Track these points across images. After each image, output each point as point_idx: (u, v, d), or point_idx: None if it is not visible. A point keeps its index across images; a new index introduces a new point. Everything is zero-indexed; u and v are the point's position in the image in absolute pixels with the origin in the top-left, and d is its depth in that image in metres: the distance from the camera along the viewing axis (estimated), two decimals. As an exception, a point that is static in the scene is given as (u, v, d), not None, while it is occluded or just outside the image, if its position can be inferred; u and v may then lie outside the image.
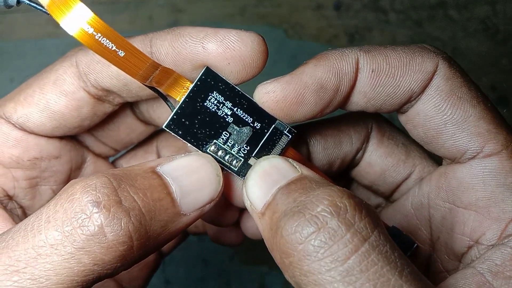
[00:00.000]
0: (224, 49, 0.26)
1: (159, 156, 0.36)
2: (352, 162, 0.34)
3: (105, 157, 0.36)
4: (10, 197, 0.30)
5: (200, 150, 0.27)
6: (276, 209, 0.24)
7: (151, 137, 0.36)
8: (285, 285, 0.63)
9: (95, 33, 0.22)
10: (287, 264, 0.22)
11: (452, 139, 0.28)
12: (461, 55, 0.68)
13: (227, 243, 0.37)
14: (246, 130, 0.28)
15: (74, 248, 0.20)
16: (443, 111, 0.28)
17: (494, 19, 0.70)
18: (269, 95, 0.27)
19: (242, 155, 0.28)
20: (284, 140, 0.29)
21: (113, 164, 0.37)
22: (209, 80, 0.27)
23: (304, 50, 0.68)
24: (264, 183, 0.26)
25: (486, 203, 0.27)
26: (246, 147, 0.28)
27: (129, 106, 0.33)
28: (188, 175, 0.25)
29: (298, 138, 0.31)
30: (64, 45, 0.66)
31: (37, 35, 0.66)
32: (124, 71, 0.24)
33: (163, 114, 0.32)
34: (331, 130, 0.32)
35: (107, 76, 0.28)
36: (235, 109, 0.28)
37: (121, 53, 0.23)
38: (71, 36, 0.23)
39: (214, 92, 0.27)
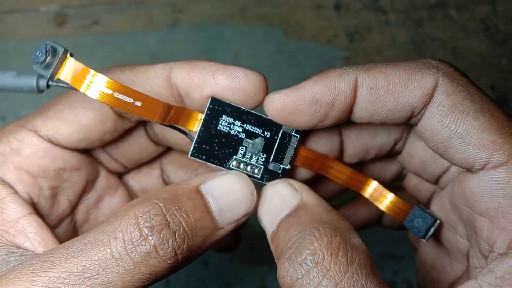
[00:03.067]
0: (231, 82, 0.31)
1: (162, 172, 0.40)
2: (393, 151, 0.36)
3: (115, 173, 0.39)
4: (34, 205, 0.33)
5: (224, 167, 0.31)
6: (278, 243, 0.28)
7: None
8: (285, 285, 0.63)
9: (113, 93, 0.27)
10: None
11: (459, 152, 0.29)
12: (461, 55, 0.68)
13: (224, 250, 0.42)
14: (258, 141, 0.32)
15: (134, 262, 0.25)
16: (446, 125, 0.29)
17: (494, 19, 0.70)
18: (271, 104, 0.31)
19: (261, 163, 0.32)
20: (294, 141, 0.32)
21: (120, 177, 0.40)
22: (216, 107, 0.31)
23: (304, 50, 0.68)
24: (269, 212, 0.30)
25: (495, 213, 0.28)
26: (263, 155, 0.32)
27: (143, 127, 0.37)
28: (227, 194, 0.29)
29: (332, 128, 0.34)
30: (64, 45, 0.66)
31: (37, 35, 0.66)
32: (145, 117, 0.29)
33: (176, 134, 0.35)
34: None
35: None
36: (244, 126, 0.32)
37: (138, 103, 0.28)
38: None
39: (223, 116, 0.31)
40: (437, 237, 0.35)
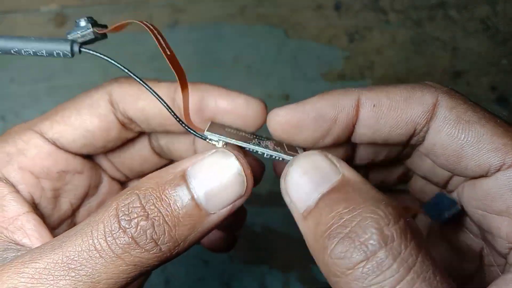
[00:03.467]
0: (232, 107, 0.33)
1: None
2: (401, 154, 0.36)
3: (118, 181, 0.40)
4: (35, 205, 0.33)
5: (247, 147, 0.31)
6: (320, 220, 0.26)
7: None
8: (285, 285, 0.63)
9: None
10: (332, 281, 0.25)
11: (473, 160, 0.29)
12: (461, 55, 0.68)
13: (217, 250, 0.41)
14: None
15: (116, 253, 0.25)
16: (456, 137, 0.29)
17: (494, 19, 0.70)
18: (275, 119, 0.31)
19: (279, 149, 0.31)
20: None
21: (124, 184, 0.41)
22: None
23: (304, 50, 0.68)
24: (305, 185, 0.27)
25: None
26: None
27: (148, 139, 0.38)
28: (213, 177, 0.27)
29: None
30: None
31: (37, 35, 0.66)
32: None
33: (180, 148, 0.36)
34: None
35: (133, 108, 0.33)
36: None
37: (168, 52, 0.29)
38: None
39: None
40: (448, 238, 0.35)
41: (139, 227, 0.25)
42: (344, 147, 0.34)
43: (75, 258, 0.25)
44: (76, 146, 0.34)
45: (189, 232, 0.27)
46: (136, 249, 0.25)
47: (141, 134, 0.37)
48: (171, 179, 0.27)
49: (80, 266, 0.25)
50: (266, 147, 0.31)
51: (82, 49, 0.28)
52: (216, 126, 0.32)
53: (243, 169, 0.28)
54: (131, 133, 0.36)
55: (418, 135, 0.31)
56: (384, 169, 0.38)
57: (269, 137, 0.33)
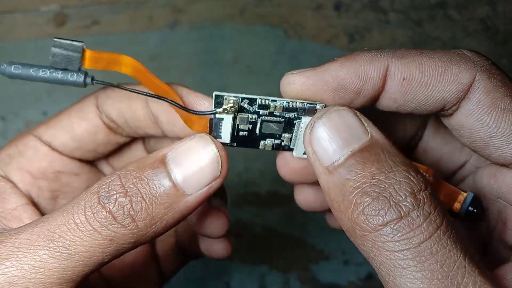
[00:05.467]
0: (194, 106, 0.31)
1: None
2: (406, 148, 0.35)
3: None
4: (34, 205, 0.35)
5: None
6: (350, 176, 0.26)
7: None
8: (285, 285, 0.63)
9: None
10: (359, 235, 0.26)
11: (499, 151, 0.28)
12: (461, 55, 0.68)
13: (216, 256, 0.41)
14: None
15: (93, 227, 0.26)
16: (487, 124, 0.28)
17: (494, 19, 0.70)
18: (290, 86, 0.29)
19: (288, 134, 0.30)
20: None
21: None
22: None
23: (304, 50, 0.68)
24: (334, 139, 0.27)
25: None
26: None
27: (142, 141, 0.38)
28: (189, 158, 0.28)
29: None
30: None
31: (37, 35, 0.66)
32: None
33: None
34: (384, 116, 0.33)
35: (114, 111, 0.34)
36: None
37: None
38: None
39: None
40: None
41: (117, 203, 0.27)
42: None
43: (55, 231, 0.26)
44: (68, 149, 0.35)
45: (166, 211, 0.28)
46: (113, 224, 0.27)
47: (136, 139, 0.38)
48: (151, 162, 0.28)
49: (59, 238, 0.26)
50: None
51: (94, 81, 0.29)
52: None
53: (218, 150, 0.29)
54: (121, 138, 0.36)
55: (445, 111, 0.29)
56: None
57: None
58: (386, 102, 0.29)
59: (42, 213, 0.35)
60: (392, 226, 0.25)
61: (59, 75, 0.31)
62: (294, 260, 0.64)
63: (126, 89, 0.30)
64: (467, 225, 0.34)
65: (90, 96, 0.35)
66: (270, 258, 0.64)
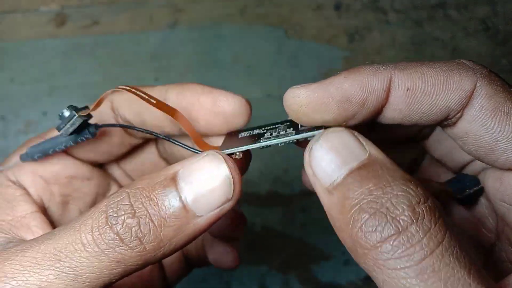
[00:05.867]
0: (212, 104, 0.32)
1: None
2: (419, 135, 0.35)
3: None
4: (44, 209, 0.35)
5: (255, 146, 0.30)
6: (348, 195, 0.26)
7: None
8: (285, 285, 0.63)
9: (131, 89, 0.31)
10: (360, 253, 0.25)
11: (505, 154, 0.28)
12: (461, 55, 0.68)
13: (225, 266, 0.41)
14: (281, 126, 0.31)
15: (100, 248, 0.26)
16: (491, 129, 0.28)
17: (494, 19, 0.70)
18: (295, 99, 0.29)
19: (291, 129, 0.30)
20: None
21: None
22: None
23: (304, 50, 0.68)
24: (332, 159, 0.27)
25: None
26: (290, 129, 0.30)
27: (155, 144, 0.38)
28: (201, 180, 0.27)
29: None
30: (64, 45, 0.66)
31: (37, 35, 0.66)
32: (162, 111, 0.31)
33: (181, 150, 0.36)
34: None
35: (131, 113, 0.34)
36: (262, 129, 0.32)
37: (153, 100, 0.31)
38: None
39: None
40: (457, 231, 0.35)
41: (125, 224, 0.26)
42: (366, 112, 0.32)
43: (62, 250, 0.26)
44: (83, 151, 0.35)
45: (175, 233, 0.27)
46: (121, 246, 0.26)
47: (149, 140, 0.38)
48: (162, 180, 0.27)
49: (65, 258, 0.26)
50: (281, 135, 0.30)
51: (100, 127, 0.32)
52: (230, 137, 0.32)
53: (231, 172, 0.28)
54: (135, 139, 0.36)
55: (449, 120, 0.29)
56: (398, 152, 0.37)
57: (278, 122, 0.32)
58: (391, 114, 0.29)
59: (51, 219, 0.35)
60: (391, 242, 0.24)
61: (70, 140, 0.33)
62: (294, 260, 0.64)
63: (131, 128, 0.33)
64: (472, 229, 0.35)
65: (105, 99, 0.35)
66: (270, 258, 0.64)
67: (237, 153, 0.30)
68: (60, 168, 0.35)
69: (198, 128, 0.33)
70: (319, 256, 0.63)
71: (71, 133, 0.32)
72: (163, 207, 0.26)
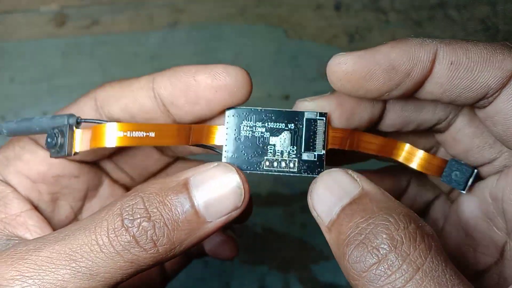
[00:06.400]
0: (212, 79, 0.31)
1: None
2: (433, 128, 0.35)
3: (122, 184, 0.40)
4: (35, 208, 0.34)
5: (258, 171, 0.32)
6: (341, 230, 0.27)
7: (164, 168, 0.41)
8: (285, 285, 0.63)
9: (127, 133, 0.29)
10: (353, 284, 0.26)
11: None
12: (461, 55, 0.68)
13: (222, 256, 0.42)
14: (285, 135, 0.31)
15: (116, 250, 0.26)
16: None
17: (494, 19, 0.70)
18: (340, 66, 0.29)
19: (294, 156, 0.31)
20: (321, 124, 0.31)
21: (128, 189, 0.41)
22: (233, 115, 0.32)
23: (304, 50, 0.68)
24: (328, 199, 0.29)
25: None
26: (293, 147, 0.31)
27: None
28: (214, 188, 0.29)
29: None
30: (64, 45, 0.66)
31: (37, 35, 0.66)
32: (165, 144, 0.31)
33: None
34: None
35: (118, 109, 0.33)
36: (266, 124, 0.31)
37: (151, 134, 0.29)
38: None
39: (243, 122, 0.31)
40: (466, 228, 0.35)
41: (141, 227, 0.27)
42: (372, 110, 0.33)
43: (77, 251, 0.26)
44: None
45: (186, 236, 0.28)
46: (136, 248, 0.27)
47: None
48: (174, 186, 0.28)
49: (81, 258, 0.26)
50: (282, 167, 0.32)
51: (82, 121, 0.30)
52: (233, 116, 0.32)
53: (242, 183, 0.29)
54: None
55: (486, 99, 0.29)
56: (410, 140, 0.37)
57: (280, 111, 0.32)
58: (432, 88, 0.29)
59: (44, 217, 0.34)
60: (373, 271, 0.25)
61: (49, 120, 0.31)
62: (294, 260, 0.64)
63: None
64: (484, 227, 0.34)
65: (86, 96, 0.34)
66: (270, 258, 0.64)
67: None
68: (46, 168, 0.34)
69: (199, 111, 0.32)
70: (319, 256, 0.63)
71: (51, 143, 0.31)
72: (177, 212, 0.27)
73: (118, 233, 0.27)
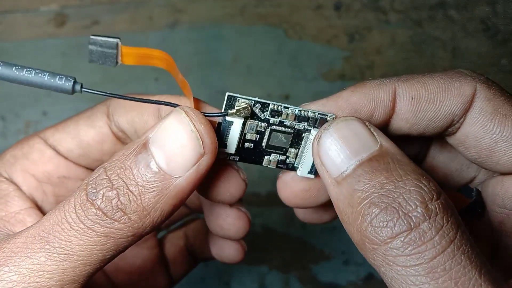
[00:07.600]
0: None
1: None
2: (420, 154, 0.35)
3: None
4: (38, 207, 0.34)
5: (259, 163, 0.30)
6: (358, 187, 0.25)
7: None
8: (285, 285, 0.63)
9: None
10: (368, 248, 0.25)
11: (506, 155, 0.29)
12: (461, 55, 0.68)
13: (228, 260, 0.41)
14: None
15: (86, 225, 0.26)
16: (491, 130, 0.29)
17: (494, 19, 0.70)
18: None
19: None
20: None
21: None
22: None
23: (304, 50, 0.68)
24: (342, 149, 0.27)
25: None
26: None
27: None
28: (168, 138, 0.27)
29: None
30: (64, 45, 0.66)
31: (37, 35, 0.66)
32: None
33: None
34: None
35: (125, 120, 0.34)
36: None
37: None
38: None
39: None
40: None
41: (104, 198, 0.26)
42: None
43: (49, 232, 0.26)
44: (74, 155, 0.35)
45: (156, 199, 0.26)
46: (105, 220, 0.26)
47: None
48: (134, 148, 0.27)
49: (54, 238, 0.26)
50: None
51: (83, 89, 0.28)
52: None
53: (195, 125, 0.26)
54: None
55: (453, 126, 0.30)
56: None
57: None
58: (398, 124, 0.30)
59: None
60: (402, 239, 0.24)
61: (45, 77, 0.28)
62: (294, 260, 0.64)
63: (114, 96, 0.28)
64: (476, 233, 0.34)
65: (101, 104, 0.35)
66: (270, 258, 0.64)
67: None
68: (52, 167, 0.35)
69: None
70: (319, 256, 0.63)
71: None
72: (139, 175, 0.26)
73: (85, 207, 0.26)
